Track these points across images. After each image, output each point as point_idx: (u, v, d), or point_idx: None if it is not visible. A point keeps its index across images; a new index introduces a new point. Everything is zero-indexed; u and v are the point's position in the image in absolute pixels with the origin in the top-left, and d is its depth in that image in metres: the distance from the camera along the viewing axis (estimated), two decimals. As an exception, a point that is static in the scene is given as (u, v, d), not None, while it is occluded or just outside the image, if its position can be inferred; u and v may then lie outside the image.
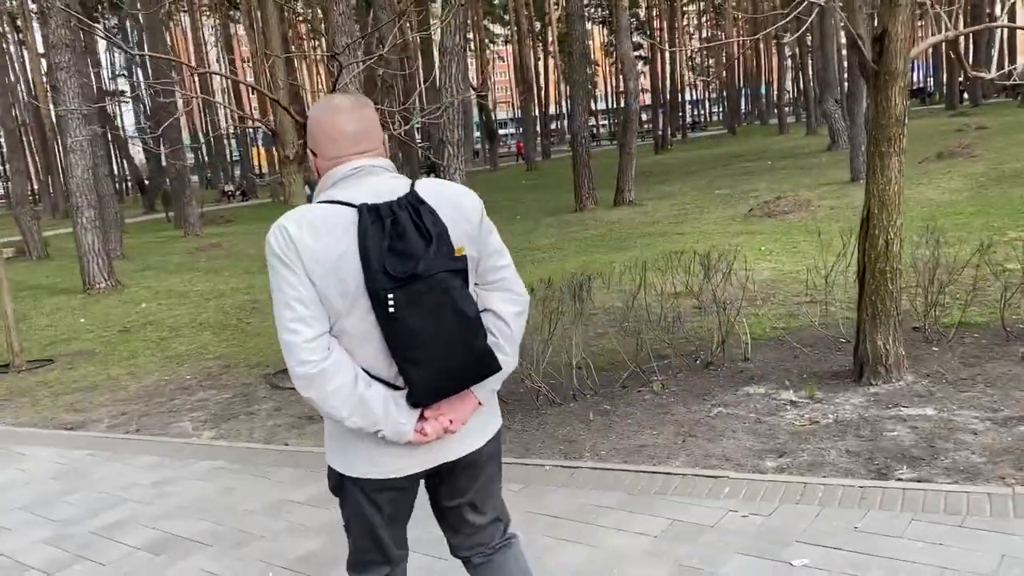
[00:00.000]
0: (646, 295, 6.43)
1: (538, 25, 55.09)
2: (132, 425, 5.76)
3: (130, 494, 4.29)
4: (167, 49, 26.93)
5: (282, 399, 5.98)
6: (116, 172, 49.58)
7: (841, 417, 4.22)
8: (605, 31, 62.97)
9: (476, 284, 1.92)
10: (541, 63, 58.80)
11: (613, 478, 3.73)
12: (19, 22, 42.22)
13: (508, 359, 1.91)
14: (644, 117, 52.65)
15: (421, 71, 22.14)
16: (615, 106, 68.62)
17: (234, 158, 58.09)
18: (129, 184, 55.44)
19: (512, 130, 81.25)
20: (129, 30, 36.70)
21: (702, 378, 5.21)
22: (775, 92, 59.26)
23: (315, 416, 5.42)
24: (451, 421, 1.87)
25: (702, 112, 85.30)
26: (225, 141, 56.04)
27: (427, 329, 1.74)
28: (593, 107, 61.73)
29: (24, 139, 49.47)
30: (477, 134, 51.95)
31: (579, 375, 5.17)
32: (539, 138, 49.71)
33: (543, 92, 57.32)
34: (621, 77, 58.71)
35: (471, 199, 1.92)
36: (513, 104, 74.98)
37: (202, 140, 59.26)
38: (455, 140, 12.31)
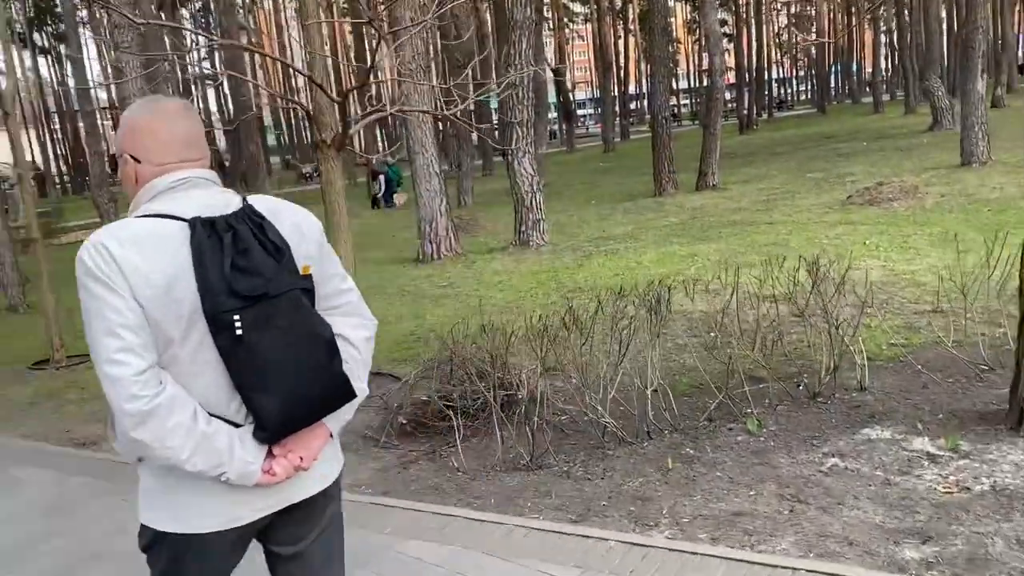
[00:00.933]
0: (737, 302, 5.47)
1: (619, 2, 53.48)
2: (147, 444, 5.14)
3: (114, 544, 3.62)
4: (237, 30, 26.73)
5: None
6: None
7: (1000, 483, 3.24)
8: (688, 7, 60.82)
9: (320, 309, 1.75)
10: (621, 41, 57.16)
11: (699, 567, 2.85)
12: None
13: (361, 386, 1.77)
14: (728, 96, 50.61)
15: (494, 49, 21.34)
16: (697, 85, 66.46)
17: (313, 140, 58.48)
18: (211, 166, 56.32)
19: (591, 110, 79.72)
20: (214, 11, 36.89)
21: (808, 413, 4.25)
22: (868, 69, 56.26)
23: (345, 444, 4.69)
24: (302, 458, 1.69)
25: (789, 90, 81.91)
26: (302, 123, 56.46)
27: (279, 353, 1.59)
28: (674, 86, 59.91)
29: (112, 120, 50.70)
30: (554, 115, 50.78)
31: (655, 402, 4.28)
32: (618, 118, 48.30)
33: (623, 71, 55.73)
34: (704, 55, 56.72)
35: (310, 219, 1.78)
36: (592, 84, 73.50)
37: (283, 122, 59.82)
38: (524, 120, 11.48)
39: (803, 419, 4.18)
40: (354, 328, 1.80)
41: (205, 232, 1.56)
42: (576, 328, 4.23)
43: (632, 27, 56.95)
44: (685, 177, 17.11)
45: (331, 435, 1.78)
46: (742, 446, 3.92)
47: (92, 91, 27.07)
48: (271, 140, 57.48)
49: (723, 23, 47.33)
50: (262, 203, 1.70)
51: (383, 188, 23.01)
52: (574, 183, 22.44)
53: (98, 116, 25.98)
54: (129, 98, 13.14)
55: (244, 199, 1.69)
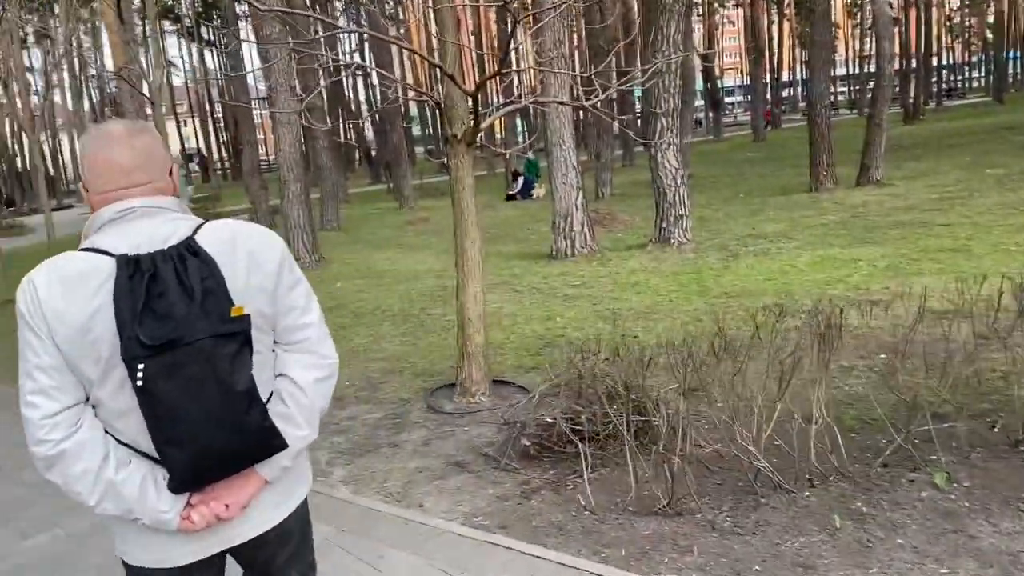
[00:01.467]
0: (919, 319, 4.71)
1: (773, -15, 51.02)
2: (265, 448, 4.97)
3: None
4: (384, 20, 27.12)
5: (435, 427, 4.94)
6: (345, 143, 51.99)
7: None
8: (848, -11, 57.36)
9: (276, 343, 1.70)
10: (775, 26, 54.58)
11: (882, 677, 2.27)
12: None
13: (300, 433, 1.68)
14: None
15: (640, 35, 20.58)
16: (856, 71, 62.64)
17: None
18: (359, 155, 58.20)
19: (739, 98, 76.86)
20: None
21: (1010, 465, 3.52)
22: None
23: (465, 463, 4.33)
24: (227, 506, 1.63)
25: (960, 77, 75.87)
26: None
27: (184, 404, 1.49)
28: (831, 72, 56.72)
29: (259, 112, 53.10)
30: (700, 102, 49.06)
31: (817, 440, 3.66)
32: (768, 106, 46.12)
33: (775, 57, 53.24)
34: (866, 39, 53.27)
35: (270, 246, 1.67)
36: (742, 70, 70.79)
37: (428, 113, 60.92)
38: (670, 110, 10.80)
39: (1004, 472, 3.46)
40: (305, 368, 1.70)
41: (127, 271, 1.50)
42: (726, 354, 3.66)
43: (787, 11, 54.28)
44: (844, 171, 15.85)
45: (267, 481, 1.70)
46: (928, 505, 3.26)
47: (251, 82, 28.28)
48: (416, 130, 58.71)
49: (889, 5, 44.26)
50: (215, 233, 1.61)
51: (520, 187, 22.77)
52: (720, 175, 21.40)
53: (254, 105, 27.06)
54: (274, 88, 13.44)
55: (197, 227, 1.61)
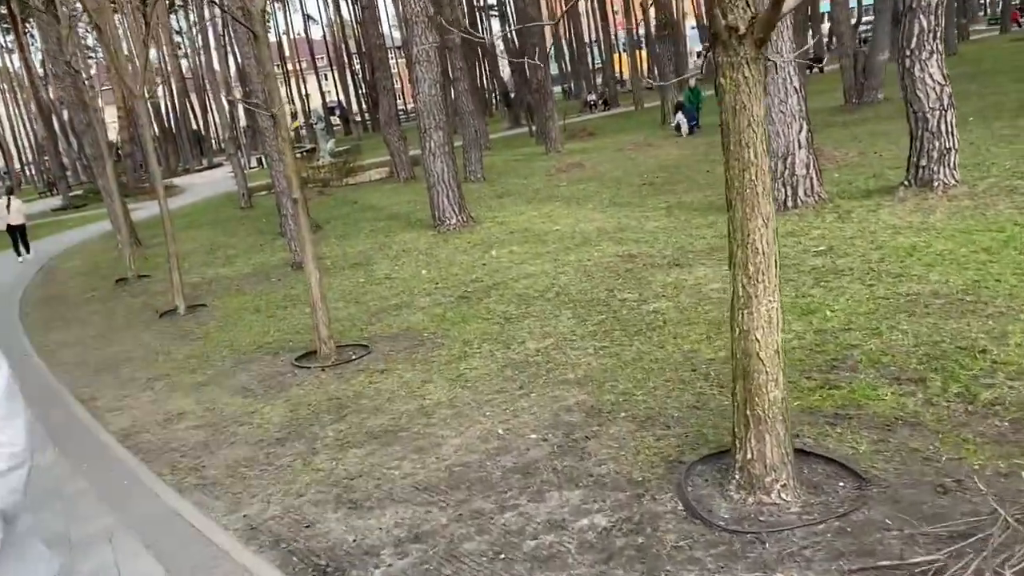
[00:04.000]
0: None
1: None
2: (420, 595, 2.92)
3: None
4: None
5: (715, 565, 2.74)
6: (481, 86, 49.89)
7: None
8: None
9: None
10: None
11: None
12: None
13: None
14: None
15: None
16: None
17: (596, 66, 56.08)
18: (496, 98, 56.13)
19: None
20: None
21: None
22: None
23: None
24: None
25: None
26: (587, 49, 54.14)
27: None
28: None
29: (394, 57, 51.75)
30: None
31: None
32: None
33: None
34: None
35: None
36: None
37: (565, 49, 57.94)
38: (931, 5, 7.91)
39: None
40: None
41: None
42: None
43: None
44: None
45: None
46: None
47: (386, 30, 26.62)
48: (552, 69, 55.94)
49: None
50: None
51: (684, 123, 19.78)
52: (974, 90, 17.76)
53: (390, 55, 25.34)
54: (411, 23, 11.41)
55: None
